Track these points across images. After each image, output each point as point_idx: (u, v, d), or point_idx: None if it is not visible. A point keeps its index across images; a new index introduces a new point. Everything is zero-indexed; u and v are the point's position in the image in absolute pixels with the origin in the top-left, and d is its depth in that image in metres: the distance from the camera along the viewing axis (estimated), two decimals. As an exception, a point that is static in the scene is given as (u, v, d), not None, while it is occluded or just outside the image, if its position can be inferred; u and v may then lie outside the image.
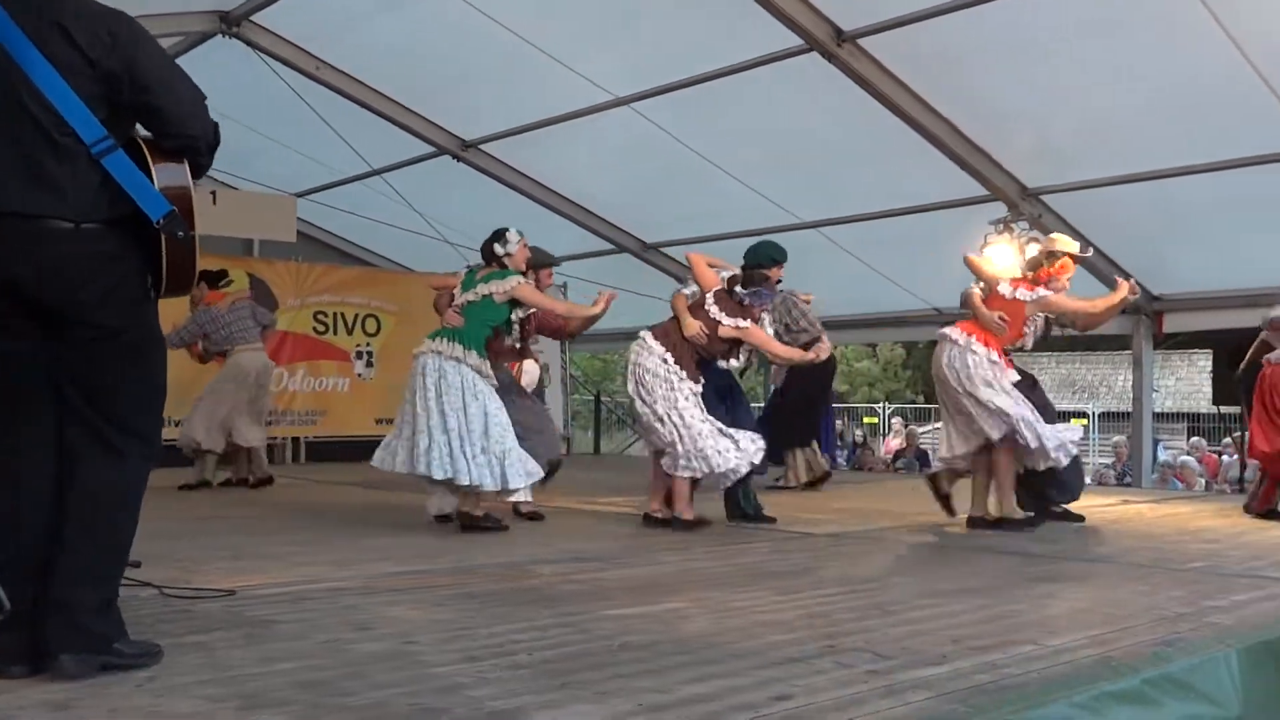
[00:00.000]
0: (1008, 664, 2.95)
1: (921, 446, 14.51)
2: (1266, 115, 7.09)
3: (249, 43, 8.93)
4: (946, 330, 6.08)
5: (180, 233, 2.69)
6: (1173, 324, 9.50)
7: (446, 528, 5.90)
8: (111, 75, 2.66)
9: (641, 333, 6.09)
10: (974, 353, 5.89)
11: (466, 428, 5.55)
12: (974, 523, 6.08)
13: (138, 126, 2.82)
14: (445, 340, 5.69)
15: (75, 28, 2.62)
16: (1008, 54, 7.41)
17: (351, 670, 2.83)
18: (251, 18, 8.78)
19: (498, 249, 5.84)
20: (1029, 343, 6.41)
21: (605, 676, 2.78)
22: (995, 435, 5.87)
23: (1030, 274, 6.15)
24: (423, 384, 5.61)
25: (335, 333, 12.00)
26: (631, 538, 5.72)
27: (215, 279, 8.24)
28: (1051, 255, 6.11)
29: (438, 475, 5.56)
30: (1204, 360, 21.89)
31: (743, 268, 6.21)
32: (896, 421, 19.28)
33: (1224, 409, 13.99)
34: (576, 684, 2.71)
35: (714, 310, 5.97)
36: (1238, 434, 10.67)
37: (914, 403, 28.08)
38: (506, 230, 5.88)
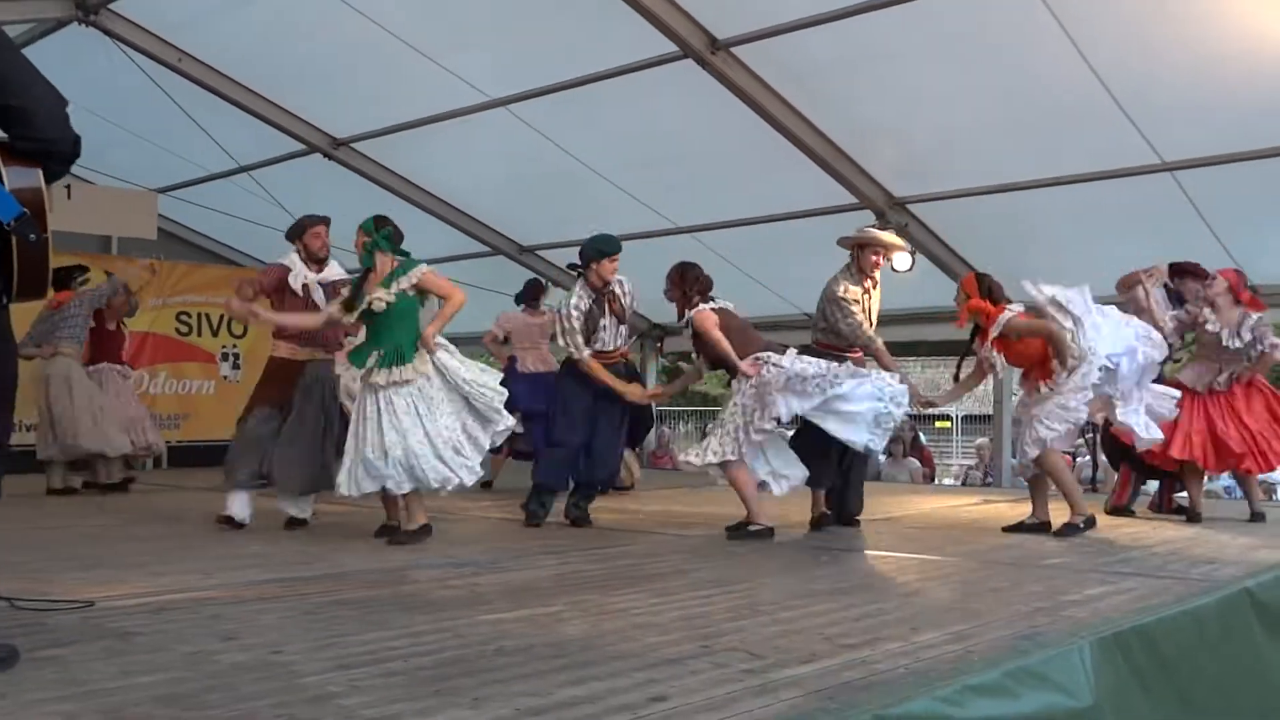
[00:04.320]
0: (875, 660, 3.04)
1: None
2: (1114, 130, 7.41)
3: (107, 31, 8.56)
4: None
5: (32, 235, 2.63)
6: (1031, 329, 9.83)
7: (315, 534, 5.77)
8: None
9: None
10: None
11: None
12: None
13: None
14: None
15: None
16: (873, 66, 7.59)
17: (216, 682, 2.74)
18: (110, 5, 8.42)
19: None
20: None
21: (481, 682, 2.76)
22: None
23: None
24: None
25: (200, 334, 11.65)
26: (508, 542, 5.68)
27: (64, 278, 7.95)
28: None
29: None
30: (1059, 365, 22.72)
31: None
32: (770, 424, 19.50)
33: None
34: (451, 690, 2.68)
35: None
36: (1090, 435, 11.11)
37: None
38: None
